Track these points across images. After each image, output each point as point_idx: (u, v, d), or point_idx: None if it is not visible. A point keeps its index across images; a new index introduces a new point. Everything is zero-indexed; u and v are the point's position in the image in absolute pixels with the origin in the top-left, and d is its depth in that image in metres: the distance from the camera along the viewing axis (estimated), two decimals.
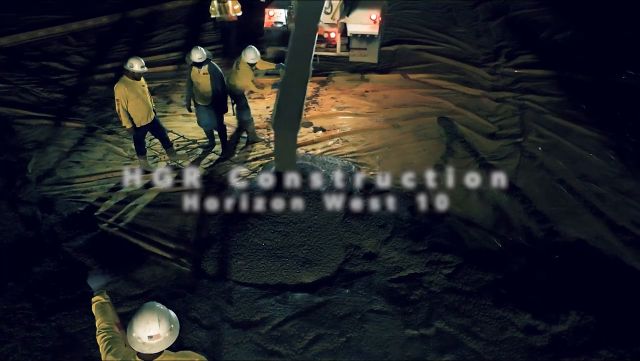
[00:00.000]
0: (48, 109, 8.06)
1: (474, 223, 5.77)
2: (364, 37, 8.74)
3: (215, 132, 7.16)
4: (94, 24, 11.06)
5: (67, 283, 4.93)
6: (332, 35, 8.78)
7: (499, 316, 4.55)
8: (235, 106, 7.02)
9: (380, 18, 8.75)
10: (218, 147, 7.18)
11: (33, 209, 5.90)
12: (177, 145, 7.19)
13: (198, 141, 7.32)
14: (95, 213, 5.93)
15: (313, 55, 6.20)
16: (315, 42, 6.36)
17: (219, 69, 6.66)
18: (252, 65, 6.76)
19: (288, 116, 5.91)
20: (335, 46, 8.91)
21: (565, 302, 4.63)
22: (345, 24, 8.80)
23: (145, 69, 6.09)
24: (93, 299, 3.21)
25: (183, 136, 7.45)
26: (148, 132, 6.61)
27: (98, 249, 5.37)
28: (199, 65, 6.41)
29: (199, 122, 6.99)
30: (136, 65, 5.98)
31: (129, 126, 6.19)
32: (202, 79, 6.52)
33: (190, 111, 6.90)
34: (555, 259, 5.22)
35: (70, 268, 5.12)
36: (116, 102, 6.05)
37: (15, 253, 5.24)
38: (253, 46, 6.74)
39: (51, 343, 4.33)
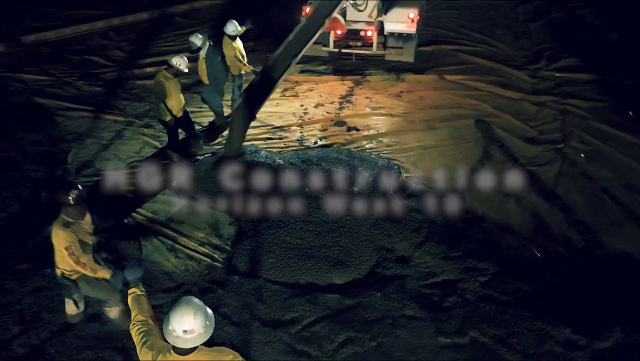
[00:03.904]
0: (88, 102, 8.25)
1: (511, 229, 5.61)
2: (400, 36, 8.60)
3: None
4: (134, 19, 11.28)
5: None
6: (369, 33, 8.67)
7: (537, 329, 4.38)
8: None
9: (418, 17, 8.60)
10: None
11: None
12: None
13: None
14: (131, 206, 6.02)
15: (302, 53, 6.51)
16: (313, 41, 6.51)
17: (216, 52, 7.13)
18: (231, 37, 7.26)
19: (253, 102, 6.23)
20: (371, 45, 8.80)
21: (609, 317, 4.43)
22: (382, 22, 8.69)
23: (187, 70, 6.44)
24: (129, 291, 3.23)
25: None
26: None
27: (133, 240, 5.46)
28: (195, 52, 6.98)
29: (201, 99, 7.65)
30: (183, 64, 6.27)
31: (168, 118, 6.47)
32: (200, 62, 7.12)
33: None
34: (598, 272, 5.00)
35: (105, 258, 5.20)
36: (156, 98, 6.28)
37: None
38: (233, 20, 7.30)
39: (87, 331, 4.41)
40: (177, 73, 6.28)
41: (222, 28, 7.44)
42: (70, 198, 3.82)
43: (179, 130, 6.86)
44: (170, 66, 6.22)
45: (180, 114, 6.54)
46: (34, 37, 10.19)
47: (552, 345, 4.26)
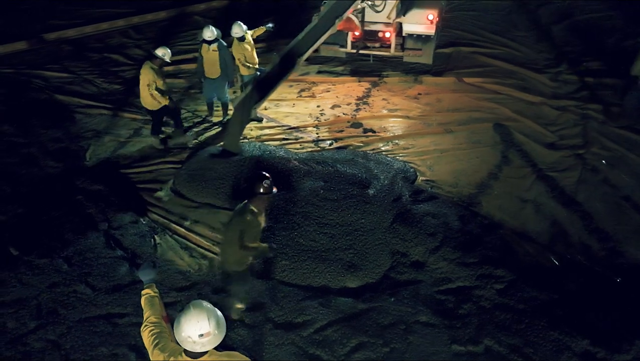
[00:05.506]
0: (107, 100, 8.35)
1: (529, 237, 5.51)
2: (419, 38, 8.53)
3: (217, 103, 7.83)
4: (153, 18, 11.37)
5: (118, 270, 5.07)
6: (387, 35, 8.61)
7: (554, 339, 4.29)
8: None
9: (437, 18, 8.51)
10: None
11: (88, 196, 6.10)
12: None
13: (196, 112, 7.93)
14: (147, 204, 6.07)
15: (309, 54, 6.51)
16: (321, 42, 6.46)
17: (227, 46, 7.33)
18: (239, 39, 7.29)
19: (254, 98, 6.27)
20: (389, 46, 8.74)
21: (629, 329, 4.32)
22: (400, 24, 8.61)
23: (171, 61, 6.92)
24: (143, 292, 3.23)
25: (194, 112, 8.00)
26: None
27: (148, 238, 5.50)
28: (209, 42, 7.14)
29: (203, 94, 7.76)
30: (167, 56, 6.68)
31: (167, 102, 6.72)
32: (210, 55, 7.21)
33: (201, 82, 7.63)
34: (618, 282, 4.88)
35: (120, 256, 5.26)
36: (147, 87, 6.56)
37: (70, 238, 5.44)
38: (239, 21, 7.33)
39: (101, 328, 4.46)
40: (164, 64, 6.69)
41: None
42: (262, 187, 4.08)
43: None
44: (156, 57, 6.54)
45: (166, 102, 6.75)
46: (56, 35, 10.35)
47: (569, 356, 4.17)
